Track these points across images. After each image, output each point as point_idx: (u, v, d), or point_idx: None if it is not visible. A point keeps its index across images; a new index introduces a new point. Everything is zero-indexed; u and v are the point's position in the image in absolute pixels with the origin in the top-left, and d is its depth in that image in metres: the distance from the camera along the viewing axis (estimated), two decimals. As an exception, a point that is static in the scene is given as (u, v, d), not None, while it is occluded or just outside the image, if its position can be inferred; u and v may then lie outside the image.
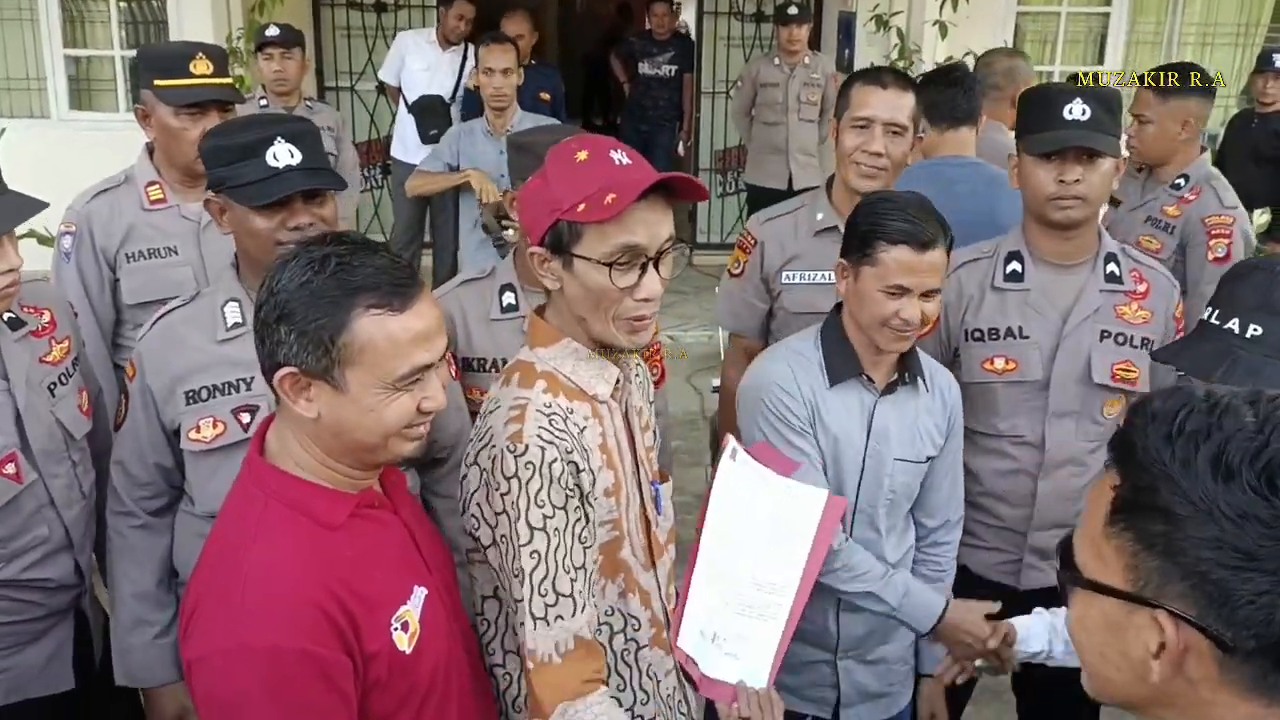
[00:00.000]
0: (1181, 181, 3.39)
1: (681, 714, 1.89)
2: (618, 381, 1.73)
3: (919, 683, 2.46)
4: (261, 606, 1.36)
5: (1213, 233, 3.22)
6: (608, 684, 1.63)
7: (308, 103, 5.16)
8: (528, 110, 4.87)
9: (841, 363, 2.21)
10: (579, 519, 1.62)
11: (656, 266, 1.63)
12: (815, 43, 7.70)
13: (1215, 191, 3.33)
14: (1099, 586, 0.99)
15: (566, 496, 1.59)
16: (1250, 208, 5.14)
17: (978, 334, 2.49)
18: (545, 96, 6.90)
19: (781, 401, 2.21)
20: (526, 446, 1.56)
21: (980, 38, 6.91)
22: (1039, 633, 2.23)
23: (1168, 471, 0.93)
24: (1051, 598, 2.53)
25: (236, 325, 2.10)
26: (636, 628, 1.77)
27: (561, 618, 1.57)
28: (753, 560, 2.03)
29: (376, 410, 1.44)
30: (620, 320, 1.64)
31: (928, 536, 2.39)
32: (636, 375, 1.84)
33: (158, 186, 2.92)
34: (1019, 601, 2.53)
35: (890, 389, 2.23)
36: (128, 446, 2.18)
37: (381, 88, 7.26)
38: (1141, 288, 2.48)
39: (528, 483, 1.55)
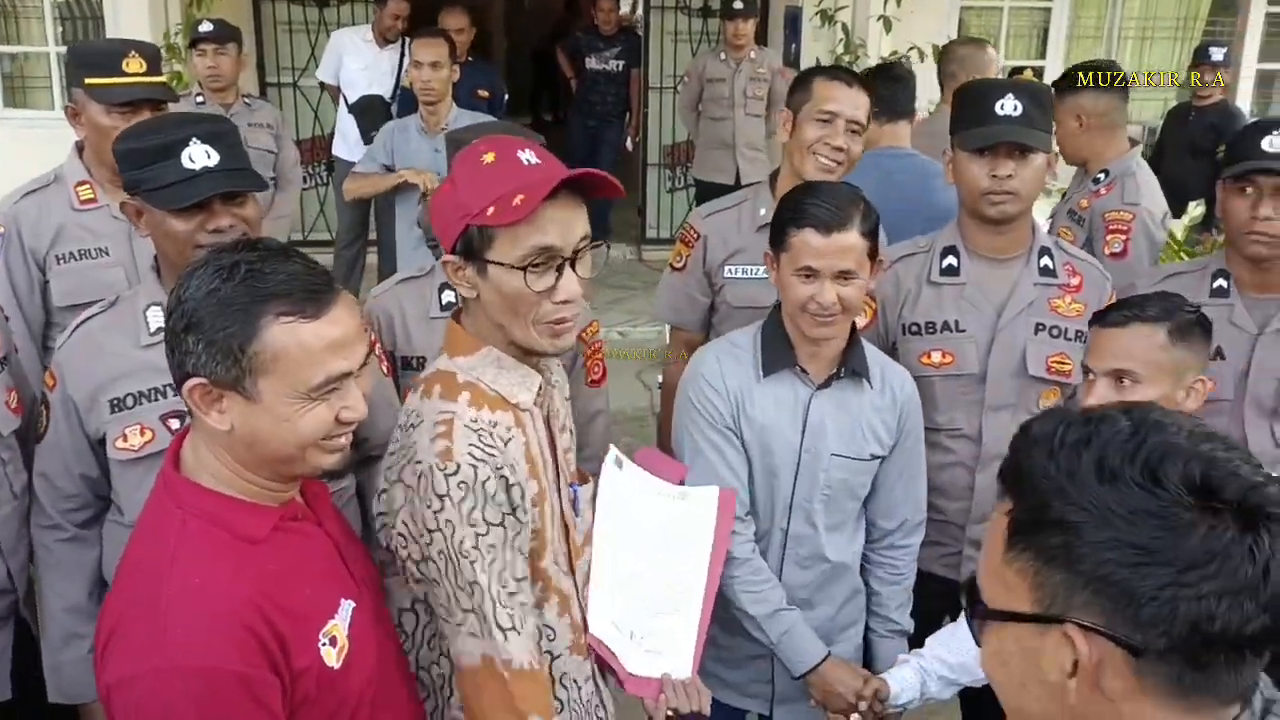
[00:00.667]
0: (1102, 175, 3.45)
1: (599, 718, 1.89)
2: (540, 388, 1.71)
3: None
4: (186, 626, 1.32)
5: (1110, 227, 3.28)
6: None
7: (246, 100, 5.08)
8: (464, 108, 4.81)
9: (776, 355, 2.22)
10: (517, 532, 1.60)
11: (574, 266, 1.60)
12: (761, 38, 7.71)
13: (1124, 187, 3.38)
14: (1007, 615, 0.99)
15: (502, 514, 1.57)
16: (1186, 199, 5.24)
17: (914, 328, 2.50)
18: (483, 94, 6.84)
19: (705, 396, 2.23)
20: (458, 465, 1.53)
21: (924, 32, 6.96)
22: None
23: (1057, 484, 0.94)
24: None
25: (160, 330, 2.04)
26: (552, 638, 1.76)
27: (515, 630, 1.56)
28: (654, 563, 2.03)
29: (291, 420, 1.40)
30: (541, 324, 1.61)
31: (885, 539, 2.38)
32: (555, 379, 1.83)
33: (88, 186, 2.87)
34: (958, 594, 2.57)
35: (828, 383, 2.22)
36: (51, 459, 2.12)
37: (324, 85, 7.17)
38: (1075, 281, 2.51)
39: (460, 502, 1.53)
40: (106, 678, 1.35)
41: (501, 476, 1.57)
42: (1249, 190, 2.41)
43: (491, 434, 1.59)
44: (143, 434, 2.04)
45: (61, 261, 2.82)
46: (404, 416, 1.65)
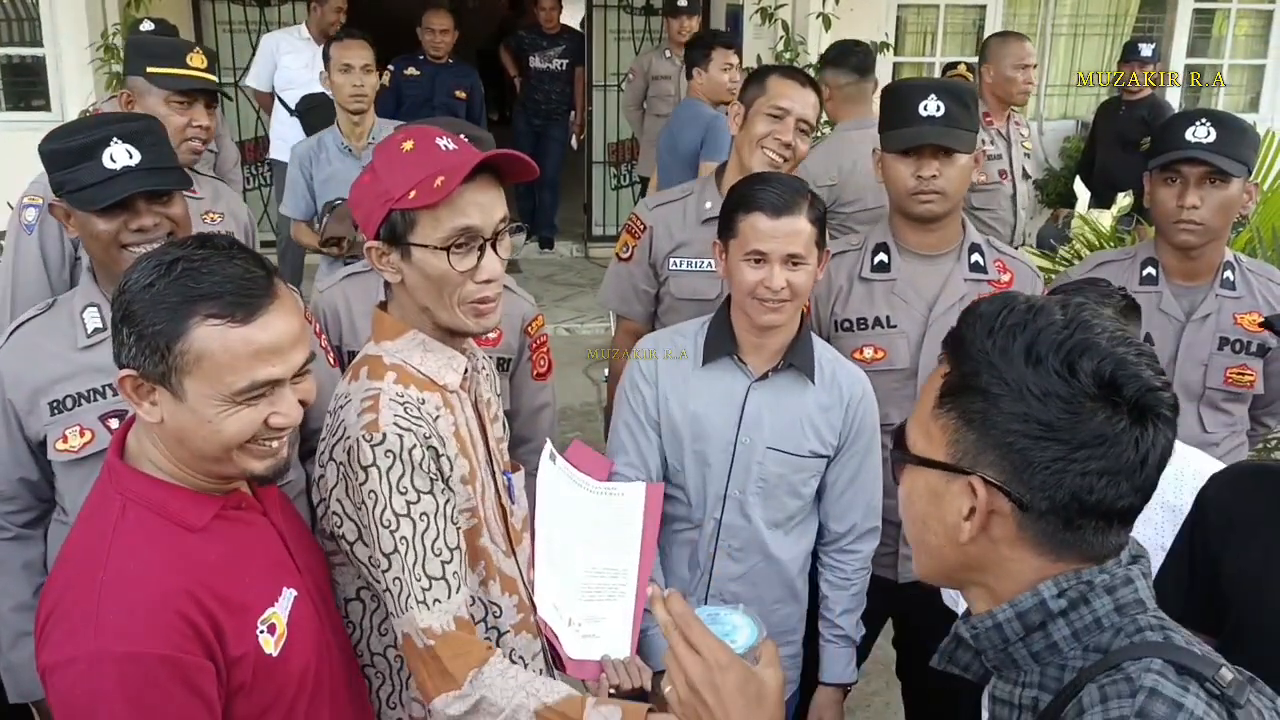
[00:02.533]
0: None
1: None
2: (466, 371, 1.76)
3: (817, 690, 2.44)
4: (120, 612, 1.34)
5: None
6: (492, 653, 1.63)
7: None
8: (443, 109, 4.67)
9: (717, 344, 2.25)
10: (447, 500, 1.63)
11: (494, 247, 1.66)
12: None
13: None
14: (925, 461, 1.15)
15: (431, 480, 1.60)
16: (1116, 191, 5.39)
17: (847, 324, 2.54)
18: (461, 95, 6.81)
19: (634, 383, 2.28)
20: (384, 435, 1.57)
21: (863, 30, 7.04)
22: (840, 659, 2.40)
23: (989, 358, 1.09)
24: (922, 587, 2.61)
25: (97, 331, 2.06)
26: (498, 614, 1.80)
27: (439, 600, 1.58)
28: (587, 553, 2.08)
29: (214, 423, 1.41)
30: (465, 304, 1.67)
31: (835, 542, 2.38)
32: (483, 368, 1.88)
33: None
34: (900, 593, 2.60)
35: (766, 375, 2.24)
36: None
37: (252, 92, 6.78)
38: (1005, 277, 2.56)
39: (388, 470, 1.56)
40: (43, 660, 1.36)
41: (430, 446, 1.61)
42: (1174, 180, 2.48)
43: (419, 409, 1.64)
44: (82, 435, 2.04)
45: None
46: (333, 402, 1.68)
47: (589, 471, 2.18)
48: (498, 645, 1.78)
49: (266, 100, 6.33)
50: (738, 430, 2.24)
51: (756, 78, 2.85)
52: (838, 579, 2.38)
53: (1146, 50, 6.33)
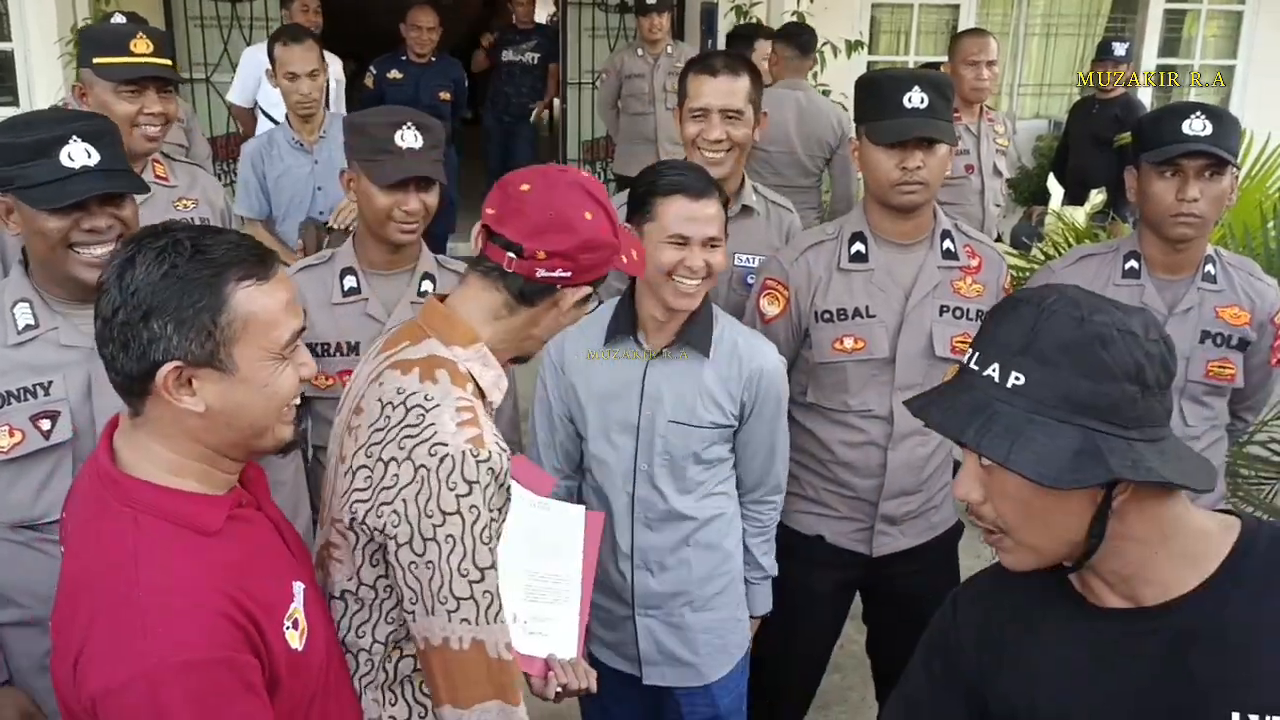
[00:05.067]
0: None
1: None
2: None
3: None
4: (167, 623, 1.30)
5: None
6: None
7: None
8: (428, 110, 4.55)
9: (617, 325, 2.35)
10: (502, 526, 1.64)
11: None
12: (680, 33, 7.77)
13: None
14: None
15: (505, 501, 1.63)
16: (1089, 188, 5.43)
17: (827, 315, 2.56)
18: (445, 96, 6.71)
19: (543, 380, 2.43)
20: (490, 453, 1.57)
21: (837, 28, 7.07)
22: (761, 596, 2.55)
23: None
24: (898, 561, 2.66)
25: (29, 328, 1.99)
26: None
27: (500, 614, 1.60)
28: (529, 559, 2.09)
29: (271, 384, 1.43)
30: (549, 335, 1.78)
31: (747, 495, 2.50)
32: None
33: None
34: (872, 567, 2.67)
35: (661, 353, 2.33)
36: None
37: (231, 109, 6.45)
38: (974, 262, 2.59)
39: (486, 488, 1.56)
40: (91, 688, 1.30)
41: (509, 469, 1.63)
42: (1172, 174, 2.47)
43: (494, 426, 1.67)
44: (11, 435, 1.96)
45: None
46: (397, 395, 1.62)
47: (530, 486, 2.17)
48: None
49: (247, 117, 6.01)
50: (640, 406, 2.32)
51: (680, 79, 2.88)
52: (754, 528, 2.51)
53: (1120, 49, 6.38)
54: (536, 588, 2.08)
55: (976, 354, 1.34)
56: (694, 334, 2.32)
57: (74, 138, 1.94)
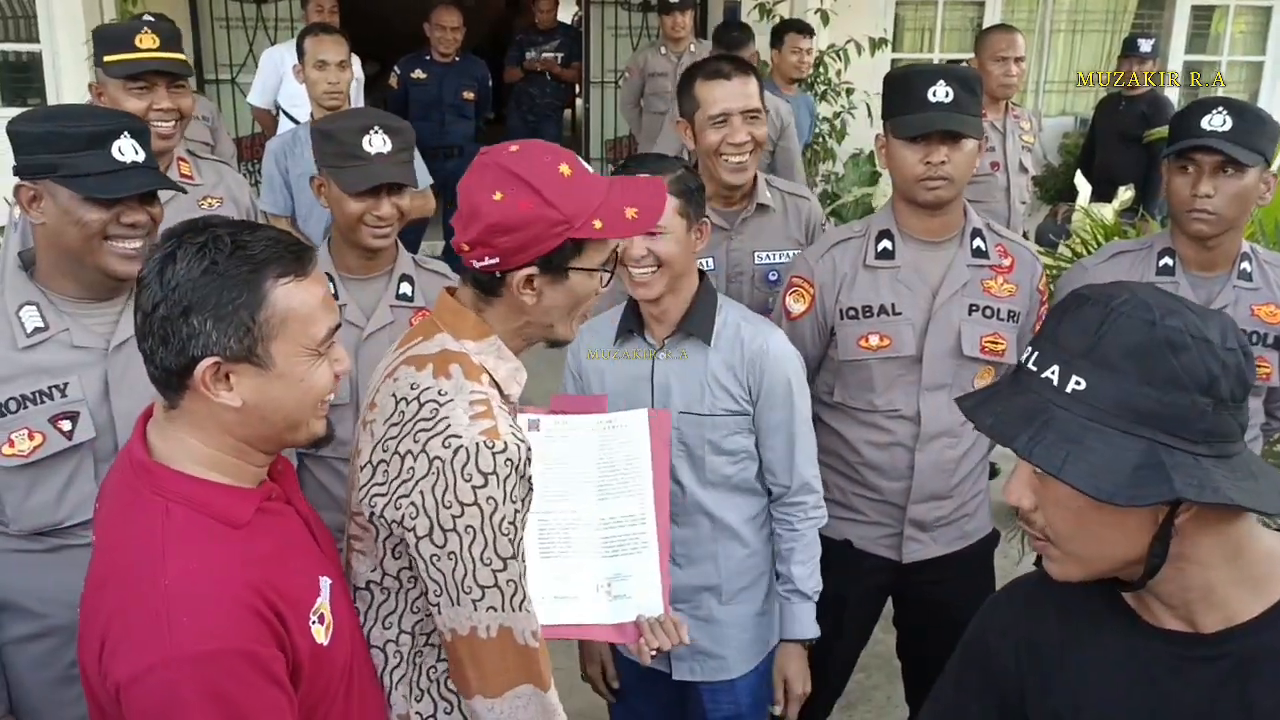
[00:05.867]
0: None
1: None
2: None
3: (779, 648, 2.46)
4: (192, 613, 1.31)
5: None
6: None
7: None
8: (452, 111, 4.55)
9: (625, 323, 2.36)
10: (526, 515, 1.62)
11: None
12: (701, 32, 7.76)
13: None
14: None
15: (529, 490, 1.60)
16: (1116, 185, 5.38)
17: (852, 312, 2.53)
18: (469, 96, 6.74)
19: (567, 382, 2.42)
20: (505, 444, 1.55)
21: (861, 26, 7.06)
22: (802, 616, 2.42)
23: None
24: (929, 568, 2.61)
25: (39, 330, 1.99)
26: None
27: (525, 604, 1.59)
28: (600, 506, 2.07)
29: (307, 379, 1.45)
30: (578, 315, 1.71)
31: (776, 497, 2.44)
32: None
33: None
34: (903, 573, 2.63)
35: (664, 345, 2.32)
36: None
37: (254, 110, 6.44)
38: (1006, 262, 2.55)
39: (505, 479, 1.54)
40: (116, 676, 1.32)
41: (529, 459, 1.60)
42: (1189, 169, 2.45)
43: (512, 417, 1.64)
44: (31, 438, 1.96)
45: None
46: (411, 391, 1.62)
47: (586, 410, 2.18)
48: None
49: (267, 119, 6.07)
50: (651, 400, 2.32)
51: (685, 88, 2.82)
52: (784, 530, 2.43)
53: (1146, 46, 6.33)
54: (614, 538, 2.06)
55: (1035, 354, 1.25)
56: (694, 323, 2.31)
57: (125, 133, 1.98)
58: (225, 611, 1.33)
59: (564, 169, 1.59)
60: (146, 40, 2.83)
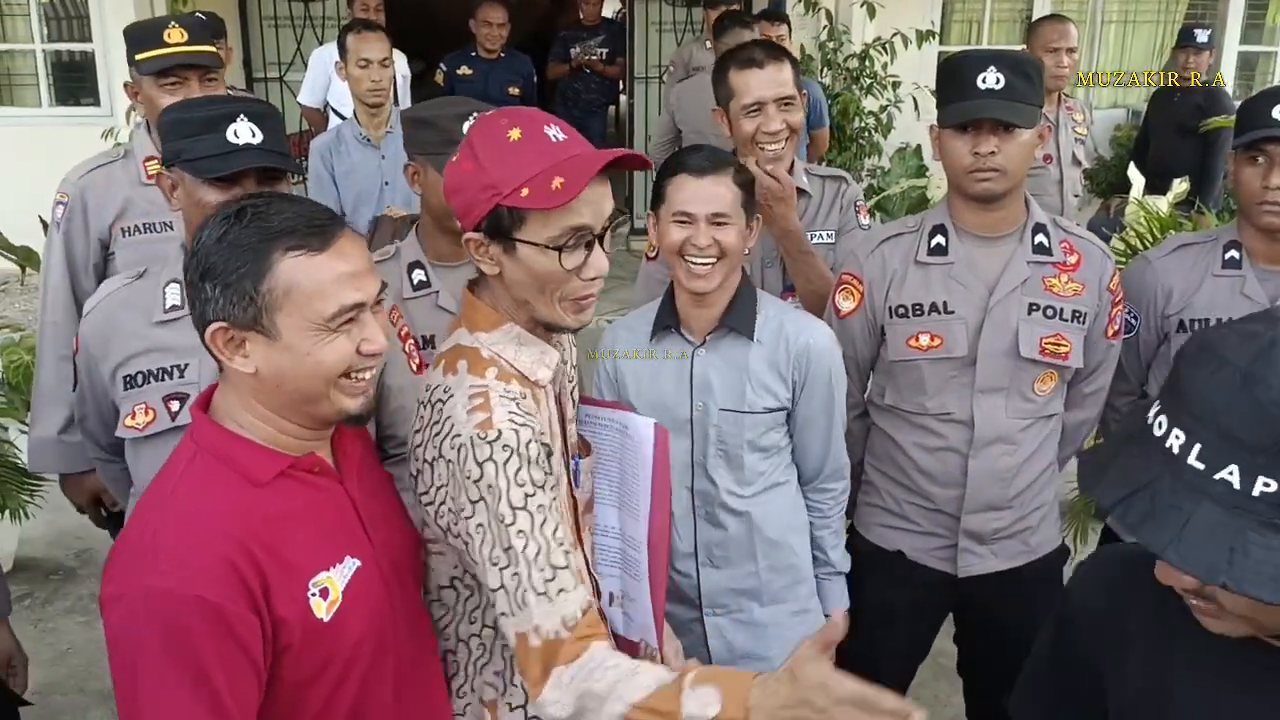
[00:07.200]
0: None
1: None
2: (556, 365, 1.69)
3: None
4: (168, 551, 1.35)
5: None
6: (605, 639, 1.52)
7: (230, 92, 5.04)
8: (497, 105, 4.55)
9: (662, 318, 2.33)
10: (555, 498, 1.56)
11: (601, 242, 1.59)
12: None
13: None
14: None
15: (545, 474, 1.54)
16: (1171, 178, 5.28)
17: (901, 310, 2.45)
18: (515, 91, 6.75)
19: (599, 380, 2.38)
20: (500, 432, 1.51)
21: (908, 18, 6.99)
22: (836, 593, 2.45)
23: None
24: (989, 584, 2.50)
25: (175, 308, 2.07)
26: None
27: (564, 590, 1.48)
28: (615, 512, 1.99)
29: (314, 354, 1.43)
30: (566, 301, 1.60)
31: (809, 484, 2.42)
32: (569, 354, 1.82)
33: (156, 161, 2.91)
34: (960, 589, 2.52)
35: (705, 341, 2.29)
36: (87, 408, 2.23)
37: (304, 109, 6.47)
38: (1072, 259, 2.43)
39: (505, 464, 1.50)
40: (101, 595, 1.39)
41: (544, 443, 1.56)
42: (1260, 160, 2.38)
43: (520, 404, 1.58)
44: (146, 413, 2.07)
45: (127, 234, 2.89)
46: (426, 393, 1.62)
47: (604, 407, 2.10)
48: None
49: (317, 118, 6.14)
50: (691, 397, 2.29)
51: (719, 77, 2.78)
52: (818, 518, 2.43)
53: (1203, 36, 6.22)
54: (624, 557, 1.99)
55: (1186, 438, 1.08)
56: (736, 318, 2.28)
57: (241, 116, 2.03)
58: (197, 558, 1.35)
59: (513, 134, 1.54)
60: (175, 35, 2.83)
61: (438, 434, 1.56)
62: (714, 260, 2.19)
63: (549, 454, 1.56)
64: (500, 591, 1.48)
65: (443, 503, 1.56)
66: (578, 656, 1.45)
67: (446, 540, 1.61)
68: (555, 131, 1.55)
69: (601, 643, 1.47)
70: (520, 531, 1.49)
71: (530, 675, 1.47)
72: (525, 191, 1.51)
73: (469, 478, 1.50)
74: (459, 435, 1.52)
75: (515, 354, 1.63)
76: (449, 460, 1.53)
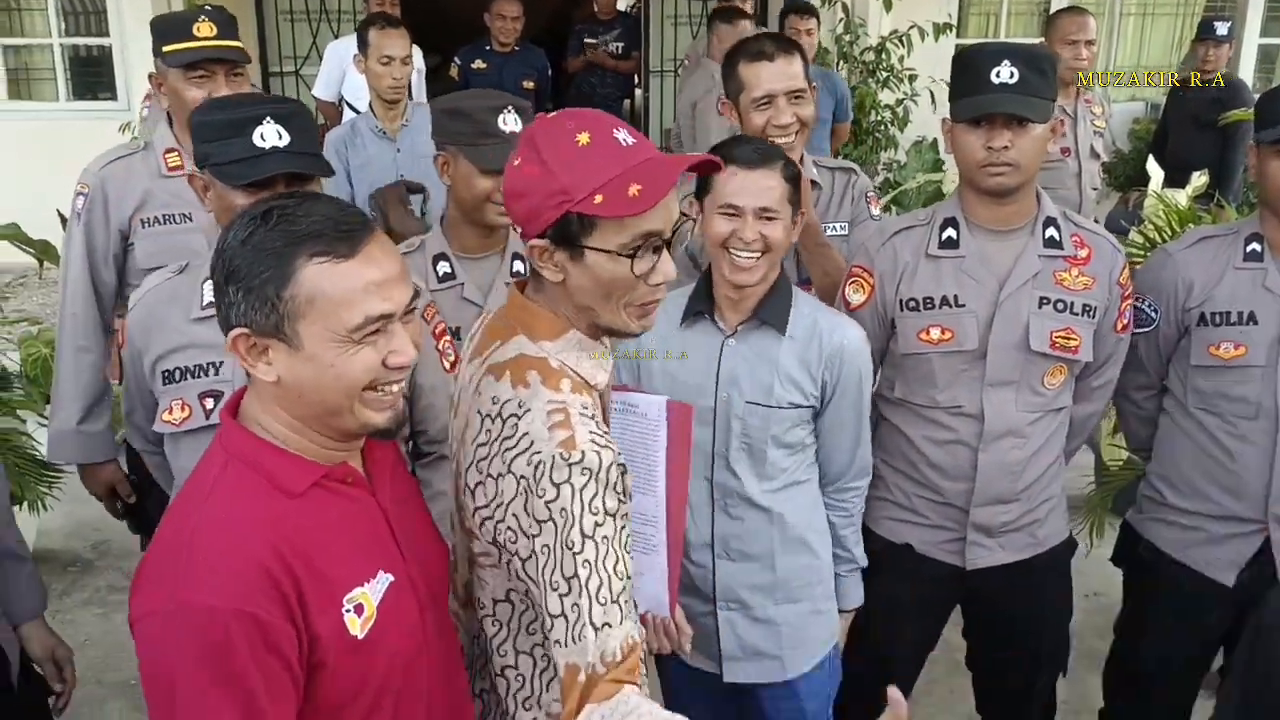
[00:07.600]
0: None
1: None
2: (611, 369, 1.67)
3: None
4: (203, 564, 1.30)
5: None
6: (638, 685, 1.49)
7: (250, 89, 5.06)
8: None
9: (695, 303, 2.29)
10: (624, 525, 1.52)
11: (669, 247, 1.56)
12: (762, 19, 7.70)
13: None
14: None
15: (619, 501, 1.50)
16: (1190, 171, 5.25)
17: (912, 303, 2.45)
18: (529, 85, 6.73)
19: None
20: (583, 453, 1.46)
21: (925, 11, 6.95)
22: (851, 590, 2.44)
23: None
24: (996, 576, 2.51)
25: (211, 304, 2.05)
26: None
27: (610, 625, 1.45)
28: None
29: (336, 366, 1.36)
30: (632, 306, 1.57)
31: (832, 484, 2.40)
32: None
33: (176, 154, 2.93)
34: (968, 581, 2.53)
35: (737, 331, 2.26)
36: (134, 400, 2.25)
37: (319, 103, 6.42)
38: (1083, 253, 2.43)
39: (581, 489, 1.45)
40: (131, 611, 1.34)
41: (621, 465, 1.51)
42: None
43: (597, 420, 1.54)
44: (182, 409, 2.07)
45: (146, 225, 2.90)
46: (493, 406, 1.56)
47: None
48: None
49: (332, 112, 6.06)
50: (716, 386, 2.27)
51: (729, 69, 2.76)
52: (840, 517, 2.41)
53: (1222, 29, 6.16)
54: (637, 531, 1.94)
55: None
56: (770, 311, 2.26)
57: (267, 119, 2.00)
58: (236, 569, 1.30)
59: (582, 138, 1.49)
60: (204, 28, 2.83)
61: (509, 449, 1.50)
62: (759, 254, 2.17)
63: (624, 472, 1.52)
64: (560, 620, 1.45)
65: (502, 519, 1.51)
66: (610, 697, 1.42)
67: (500, 555, 1.57)
68: (624, 135, 1.51)
69: (634, 688, 1.45)
70: (586, 561, 1.44)
71: (568, 706, 1.45)
72: (599, 198, 1.46)
73: (542, 496, 1.46)
74: (538, 452, 1.47)
75: (578, 360, 1.59)
76: (521, 476, 1.48)
